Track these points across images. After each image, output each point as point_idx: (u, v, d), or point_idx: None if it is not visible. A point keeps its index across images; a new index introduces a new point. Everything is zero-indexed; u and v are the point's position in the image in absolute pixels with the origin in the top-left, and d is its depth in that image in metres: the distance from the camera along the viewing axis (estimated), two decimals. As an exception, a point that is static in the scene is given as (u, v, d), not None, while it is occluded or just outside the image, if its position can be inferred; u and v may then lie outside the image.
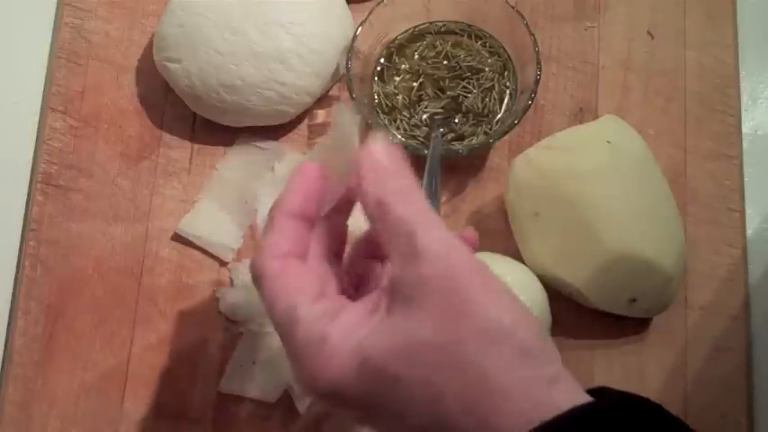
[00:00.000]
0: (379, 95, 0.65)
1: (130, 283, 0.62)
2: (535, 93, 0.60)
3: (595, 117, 0.65)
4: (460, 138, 0.64)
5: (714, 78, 0.68)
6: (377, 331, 0.37)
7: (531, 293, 0.57)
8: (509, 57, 0.65)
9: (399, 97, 0.65)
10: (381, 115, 0.65)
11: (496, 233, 0.63)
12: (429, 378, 0.36)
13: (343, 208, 0.44)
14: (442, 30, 0.66)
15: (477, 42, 0.66)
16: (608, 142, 0.58)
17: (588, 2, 0.69)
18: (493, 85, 0.65)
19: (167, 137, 0.66)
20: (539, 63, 0.61)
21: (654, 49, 0.68)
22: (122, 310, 0.62)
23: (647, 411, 0.36)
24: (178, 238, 0.63)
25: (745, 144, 0.66)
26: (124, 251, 0.63)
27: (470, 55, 0.66)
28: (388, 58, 0.66)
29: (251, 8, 0.62)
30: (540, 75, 0.61)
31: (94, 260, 0.63)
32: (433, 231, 0.37)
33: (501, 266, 0.58)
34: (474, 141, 0.63)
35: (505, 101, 0.64)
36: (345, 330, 0.38)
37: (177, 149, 0.65)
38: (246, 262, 0.62)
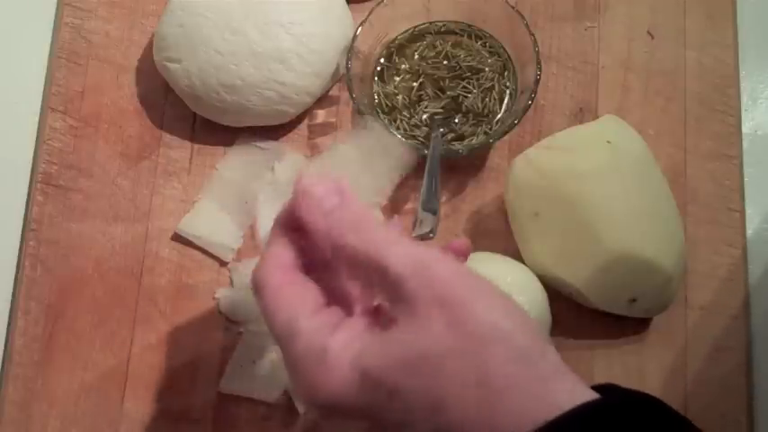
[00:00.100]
0: (379, 95, 0.65)
1: (130, 283, 0.62)
2: (535, 93, 0.60)
3: (595, 117, 0.65)
4: (460, 138, 0.64)
5: (714, 78, 0.68)
6: (375, 344, 0.38)
7: (531, 293, 0.57)
8: (509, 57, 0.65)
9: (399, 97, 0.65)
10: (381, 115, 0.65)
11: (496, 233, 0.63)
12: (428, 387, 0.36)
13: None
14: (442, 30, 0.66)
15: (477, 42, 0.66)
16: (608, 142, 0.58)
17: (588, 2, 0.69)
18: (493, 85, 0.65)
19: (167, 137, 0.66)
20: (539, 63, 0.61)
21: (654, 49, 0.68)
22: (122, 310, 0.62)
23: (652, 409, 0.36)
24: (178, 238, 0.63)
25: (745, 144, 0.66)
26: (124, 251, 0.63)
27: (470, 55, 0.66)
28: (388, 58, 0.66)
29: (251, 8, 0.62)
30: (539, 75, 0.61)
31: (94, 260, 0.63)
32: (396, 248, 0.38)
33: (501, 266, 0.58)
34: (474, 141, 0.63)
35: (505, 101, 0.64)
36: (345, 343, 0.38)
37: (177, 149, 0.65)
38: (246, 262, 0.62)
